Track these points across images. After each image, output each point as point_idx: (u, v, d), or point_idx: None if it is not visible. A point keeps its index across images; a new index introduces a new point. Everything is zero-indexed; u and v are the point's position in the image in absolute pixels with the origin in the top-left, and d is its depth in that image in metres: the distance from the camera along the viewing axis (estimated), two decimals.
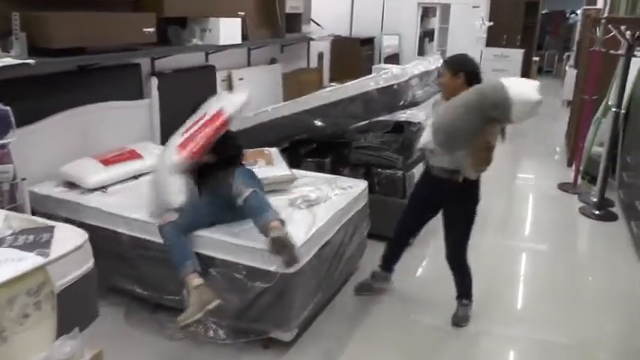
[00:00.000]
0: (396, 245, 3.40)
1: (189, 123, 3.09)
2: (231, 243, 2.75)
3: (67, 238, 1.77)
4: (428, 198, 3.15)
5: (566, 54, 12.85)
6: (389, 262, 3.44)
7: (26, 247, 1.71)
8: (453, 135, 2.72)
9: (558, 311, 3.46)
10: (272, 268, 2.65)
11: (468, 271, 3.19)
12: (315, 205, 3.15)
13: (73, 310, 1.68)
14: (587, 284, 3.87)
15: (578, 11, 14.43)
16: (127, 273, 3.09)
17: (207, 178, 3.03)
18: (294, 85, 6.34)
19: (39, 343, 1.57)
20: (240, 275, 2.70)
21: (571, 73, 9.17)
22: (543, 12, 10.20)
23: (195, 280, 2.68)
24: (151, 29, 3.58)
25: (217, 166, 3.01)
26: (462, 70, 2.84)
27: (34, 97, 3.33)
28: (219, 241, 2.77)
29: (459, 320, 3.21)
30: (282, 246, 2.57)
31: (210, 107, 3.08)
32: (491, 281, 3.73)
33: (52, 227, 1.82)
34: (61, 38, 3.03)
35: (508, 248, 4.37)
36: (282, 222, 2.66)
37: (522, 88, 2.64)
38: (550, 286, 3.78)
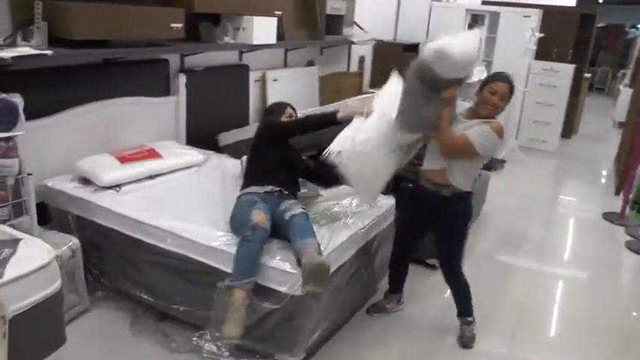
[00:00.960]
0: (397, 267, 3.26)
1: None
2: None
3: (32, 255, 1.60)
4: (416, 216, 3.01)
5: (622, 71, 12.29)
6: (395, 283, 3.30)
7: None
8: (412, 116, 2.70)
9: (594, 343, 3.26)
10: (283, 289, 2.47)
11: (464, 288, 3.04)
12: (335, 222, 2.95)
13: (34, 336, 1.52)
14: (629, 319, 3.58)
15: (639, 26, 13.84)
16: (134, 278, 2.96)
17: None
18: (333, 88, 6.15)
19: None
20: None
21: (626, 93, 8.71)
22: (599, 25, 9.71)
23: (247, 300, 2.50)
24: (179, 25, 3.44)
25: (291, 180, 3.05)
26: (512, 94, 2.76)
27: (55, 89, 3.24)
28: (231, 255, 2.57)
29: (467, 341, 3.07)
30: (313, 275, 2.43)
31: None
32: (522, 307, 3.53)
33: (17, 241, 1.66)
34: (82, 30, 2.92)
35: (543, 276, 4.08)
36: (321, 252, 2.54)
37: (444, 42, 2.54)
38: (585, 318, 3.54)
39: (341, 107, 2.95)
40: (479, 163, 2.83)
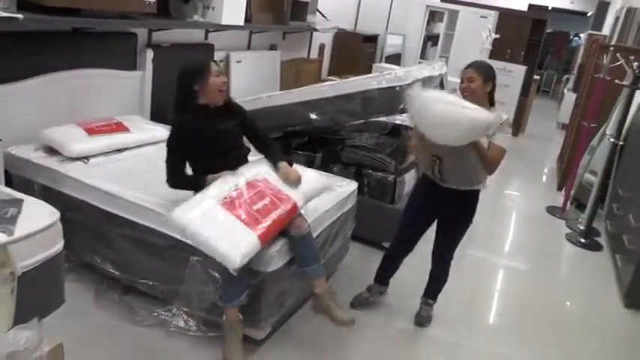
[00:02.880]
0: (393, 259, 3.27)
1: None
2: None
3: (36, 215, 1.62)
4: (426, 207, 3.04)
5: (566, 76, 12.85)
6: (385, 276, 3.32)
7: None
8: None
9: (529, 329, 3.45)
10: (253, 267, 2.52)
11: (445, 278, 3.18)
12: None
13: (36, 295, 1.54)
14: (563, 308, 3.83)
15: (582, 35, 14.47)
16: (101, 250, 2.95)
17: None
18: (292, 74, 6.21)
19: None
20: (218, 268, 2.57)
21: (569, 97, 9.14)
22: (548, 31, 10.12)
23: (240, 316, 2.55)
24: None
25: None
26: (492, 80, 2.77)
27: (22, 55, 3.17)
28: None
29: (423, 321, 3.23)
30: (325, 308, 2.62)
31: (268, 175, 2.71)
32: (468, 295, 3.71)
33: (21, 201, 1.67)
34: None
35: (488, 265, 4.30)
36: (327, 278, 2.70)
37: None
38: (524, 305, 3.76)
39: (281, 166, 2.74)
40: None
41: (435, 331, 3.22)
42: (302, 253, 2.68)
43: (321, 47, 7.22)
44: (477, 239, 4.51)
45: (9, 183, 3.11)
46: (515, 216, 5.55)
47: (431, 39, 9.05)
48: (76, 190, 2.93)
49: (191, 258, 2.59)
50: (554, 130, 10.09)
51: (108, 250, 2.91)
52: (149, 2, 3.46)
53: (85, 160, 3.16)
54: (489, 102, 2.79)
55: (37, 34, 3.22)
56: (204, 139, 2.62)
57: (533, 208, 5.75)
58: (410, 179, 4.26)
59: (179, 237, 2.62)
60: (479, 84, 2.72)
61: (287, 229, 2.62)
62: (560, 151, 7.32)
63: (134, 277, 2.86)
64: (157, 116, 4.15)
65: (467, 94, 2.73)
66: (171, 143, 2.63)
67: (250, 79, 5.32)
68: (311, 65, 6.90)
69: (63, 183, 2.96)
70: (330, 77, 6.93)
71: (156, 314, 2.79)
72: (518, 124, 8.58)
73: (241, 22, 4.48)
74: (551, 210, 5.59)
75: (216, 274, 2.55)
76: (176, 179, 2.63)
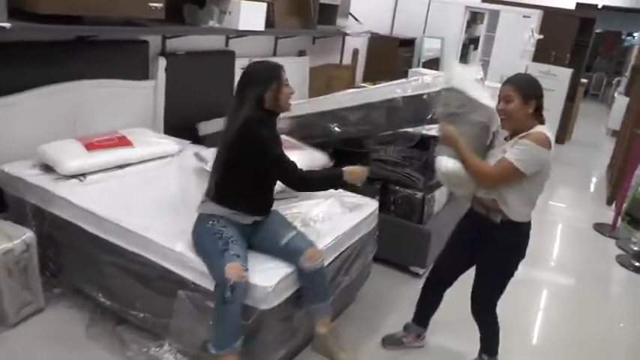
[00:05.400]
0: (430, 296, 2.86)
1: None
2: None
3: None
4: (467, 238, 2.62)
5: (617, 79, 12.16)
6: (422, 315, 2.92)
7: None
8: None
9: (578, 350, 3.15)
10: (249, 303, 2.24)
11: (493, 326, 2.67)
12: (311, 224, 2.73)
13: None
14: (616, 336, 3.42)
15: (636, 34, 13.70)
16: (92, 278, 2.72)
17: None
18: (323, 80, 5.92)
19: None
20: (212, 304, 2.29)
21: (621, 101, 8.57)
22: (597, 31, 9.55)
23: None
24: (159, 4, 3.19)
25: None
26: (535, 98, 2.29)
27: (20, 65, 3.00)
28: (194, 261, 2.34)
29: None
30: (327, 350, 2.42)
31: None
32: (509, 316, 3.29)
33: None
34: (47, 3, 2.66)
35: (531, 285, 3.91)
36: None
37: None
38: (568, 331, 3.39)
39: (345, 170, 2.52)
40: (534, 186, 2.36)
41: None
42: (310, 288, 2.40)
43: (355, 52, 6.92)
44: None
45: (2, 202, 2.95)
46: (559, 231, 5.11)
47: (471, 42, 8.62)
48: (64, 211, 2.72)
49: (179, 291, 2.33)
50: (603, 137, 9.50)
51: (99, 277, 2.68)
52: (156, 7, 3.23)
53: (82, 178, 2.94)
54: (538, 121, 2.32)
55: (37, 43, 3.04)
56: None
57: (579, 224, 5.28)
58: (440, 197, 3.90)
59: (168, 266, 2.36)
60: (517, 105, 2.27)
61: (297, 260, 2.34)
62: (610, 161, 6.80)
63: (125, 307, 2.62)
64: (170, 128, 3.93)
65: (503, 117, 2.35)
66: (270, 140, 2.35)
67: None
68: (343, 72, 6.60)
69: (53, 203, 2.76)
70: (361, 84, 6.61)
71: (146, 350, 2.54)
72: (564, 131, 8.07)
73: (262, 27, 4.22)
74: (600, 228, 5.11)
75: (208, 305, 2.28)
76: (305, 177, 2.45)
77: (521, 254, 2.50)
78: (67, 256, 2.82)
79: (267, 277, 2.25)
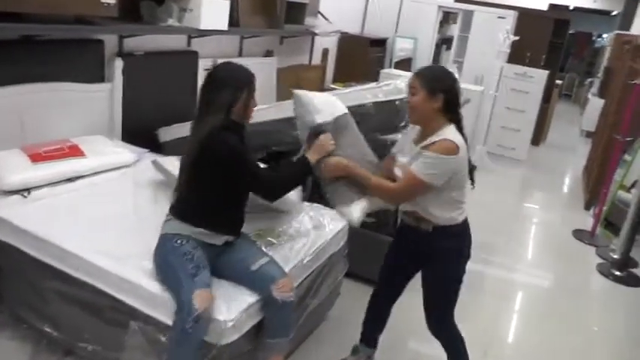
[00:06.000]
0: (377, 314, 2.66)
1: None
2: (162, 296, 2.06)
3: None
4: (405, 251, 2.43)
5: (589, 79, 12.19)
6: (371, 335, 2.70)
7: None
8: None
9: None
10: (208, 339, 1.99)
11: (457, 341, 2.46)
12: (275, 244, 2.50)
13: None
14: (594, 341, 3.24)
15: (605, 35, 13.79)
16: (36, 306, 2.43)
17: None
18: (292, 82, 5.65)
19: None
20: (165, 339, 2.04)
21: (594, 102, 8.53)
22: (569, 32, 9.51)
23: None
24: (111, 1, 2.92)
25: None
26: (442, 91, 2.10)
27: None
28: (146, 291, 2.08)
29: None
30: None
31: None
32: (485, 333, 3.14)
33: None
34: None
35: (508, 300, 3.74)
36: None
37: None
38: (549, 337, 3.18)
39: (306, 149, 2.30)
40: (452, 190, 2.17)
41: None
42: (274, 321, 2.16)
43: (325, 52, 6.71)
44: (493, 270, 3.96)
45: None
46: (536, 241, 4.96)
47: (445, 42, 8.48)
48: (3, 232, 2.42)
49: (131, 322, 2.07)
50: (577, 139, 9.46)
51: (43, 306, 2.40)
52: (108, 4, 2.96)
53: (25, 194, 2.65)
54: (448, 118, 2.14)
55: None
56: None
57: (557, 232, 5.14)
58: None
59: (118, 296, 2.11)
60: (421, 98, 2.10)
61: (269, 290, 2.11)
62: (587, 163, 6.71)
63: (73, 339, 2.34)
64: (129, 135, 3.65)
65: (409, 109, 2.18)
66: (241, 148, 2.13)
67: None
68: (313, 72, 6.37)
69: None
70: (332, 85, 6.40)
71: None
72: (539, 133, 7.98)
73: (225, 27, 3.97)
74: (579, 235, 4.97)
75: (162, 338, 2.03)
76: (277, 181, 2.25)
77: (464, 256, 2.33)
78: (7, 282, 2.53)
79: (228, 308, 2.01)
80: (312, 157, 2.23)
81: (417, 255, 2.34)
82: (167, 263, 2.10)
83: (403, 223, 2.37)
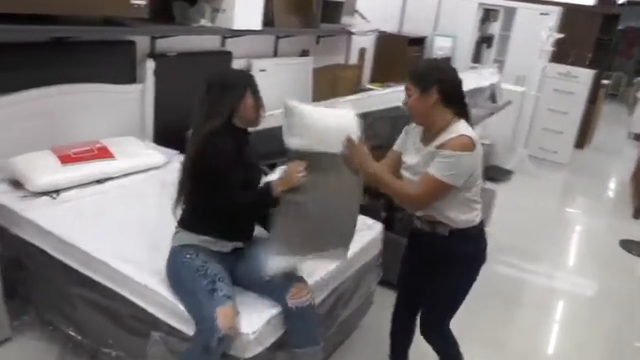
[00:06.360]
0: (401, 329, 2.53)
1: None
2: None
3: None
4: (413, 266, 2.33)
5: (638, 78, 11.70)
6: (399, 350, 2.59)
7: None
8: None
9: None
10: (231, 352, 1.92)
11: (452, 347, 2.33)
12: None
13: None
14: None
15: None
16: (62, 310, 2.43)
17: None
18: (328, 82, 5.60)
19: None
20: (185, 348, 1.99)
21: None
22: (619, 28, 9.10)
23: None
24: (141, 2, 2.90)
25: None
26: (434, 83, 1.98)
27: None
28: (169, 301, 2.03)
29: None
30: None
31: None
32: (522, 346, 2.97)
33: None
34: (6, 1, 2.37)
35: (549, 312, 3.57)
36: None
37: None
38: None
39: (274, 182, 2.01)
40: (468, 190, 2.07)
41: None
42: (297, 329, 2.07)
43: (362, 52, 6.60)
44: (534, 280, 3.78)
45: None
46: (579, 249, 4.74)
47: (485, 40, 8.25)
48: (31, 234, 2.42)
49: (152, 333, 2.03)
50: (624, 142, 9.06)
51: (69, 309, 2.38)
52: (138, 5, 2.94)
53: (54, 196, 2.65)
54: (454, 112, 2.02)
55: (6, 45, 2.74)
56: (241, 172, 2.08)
57: (602, 240, 4.89)
58: None
59: (141, 304, 2.06)
60: (416, 97, 2.00)
61: (284, 300, 2.03)
62: (635, 168, 6.40)
63: (97, 344, 2.32)
64: (161, 136, 3.64)
65: (410, 112, 2.08)
66: (225, 164, 2.01)
67: (277, 90, 4.65)
68: (349, 72, 6.27)
69: (18, 224, 2.47)
70: (368, 85, 6.29)
71: None
72: (583, 135, 7.67)
73: (259, 27, 3.91)
74: (627, 245, 4.71)
75: (184, 349, 1.98)
76: (246, 203, 2.07)
77: (481, 259, 2.21)
78: (35, 284, 2.54)
79: (250, 320, 1.94)
80: (277, 186, 1.98)
81: (433, 260, 2.21)
82: (180, 280, 2.04)
83: (416, 228, 2.23)
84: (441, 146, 1.97)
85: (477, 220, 2.14)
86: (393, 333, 2.57)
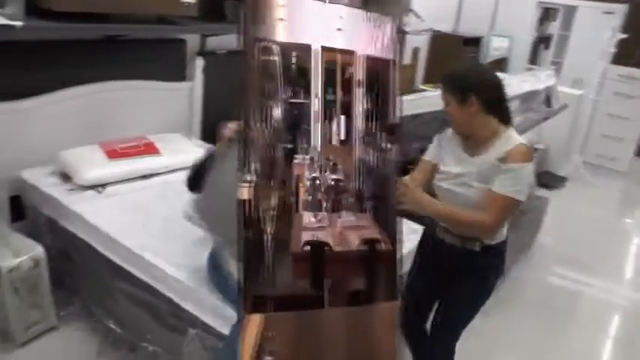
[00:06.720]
0: (416, 338, 2.33)
1: None
2: (223, 306, 1.98)
3: None
4: (430, 279, 2.17)
5: None
6: (419, 355, 2.41)
7: None
8: None
9: None
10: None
11: None
12: None
13: None
14: None
15: None
16: (104, 302, 2.48)
17: None
18: None
19: None
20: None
21: None
22: None
23: None
24: (191, 1, 2.95)
25: None
26: (474, 92, 1.85)
27: (43, 67, 2.79)
28: (208, 300, 2.03)
29: None
30: None
31: None
32: None
33: None
34: (59, 1, 2.44)
35: (606, 329, 3.41)
36: None
37: None
38: None
39: None
40: None
41: None
42: None
43: (415, 52, 6.50)
44: (591, 294, 3.61)
45: (18, 211, 2.76)
46: (637, 261, 4.50)
47: (543, 41, 7.98)
48: (76, 226, 2.49)
49: (189, 330, 2.04)
50: None
51: (110, 302, 2.43)
52: (188, 4, 2.98)
53: (100, 190, 2.71)
54: (499, 119, 1.90)
55: (62, 42, 2.84)
56: None
57: None
58: None
59: (179, 301, 2.08)
60: (455, 108, 1.89)
61: None
62: None
63: (135, 338, 2.36)
64: (209, 135, 3.67)
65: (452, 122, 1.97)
66: None
67: None
68: (402, 72, 6.14)
69: (65, 217, 2.54)
70: (423, 87, 6.19)
71: None
72: None
73: None
74: None
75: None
76: None
77: (501, 271, 2.09)
78: (81, 276, 2.60)
79: None
80: None
81: (450, 271, 2.07)
82: (216, 286, 2.03)
83: (439, 240, 2.06)
84: (503, 159, 1.84)
85: (506, 233, 2.04)
86: (409, 338, 2.36)
